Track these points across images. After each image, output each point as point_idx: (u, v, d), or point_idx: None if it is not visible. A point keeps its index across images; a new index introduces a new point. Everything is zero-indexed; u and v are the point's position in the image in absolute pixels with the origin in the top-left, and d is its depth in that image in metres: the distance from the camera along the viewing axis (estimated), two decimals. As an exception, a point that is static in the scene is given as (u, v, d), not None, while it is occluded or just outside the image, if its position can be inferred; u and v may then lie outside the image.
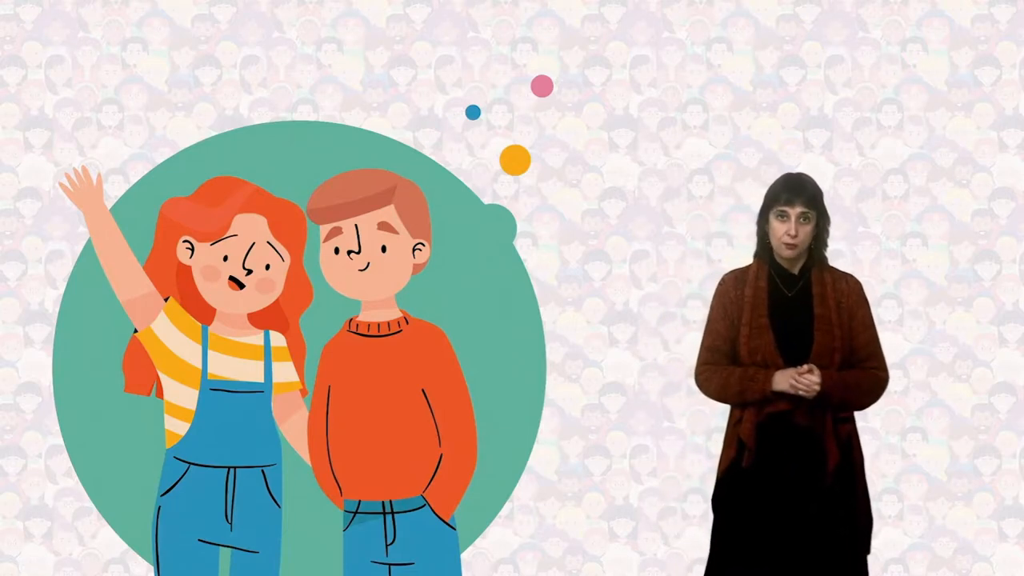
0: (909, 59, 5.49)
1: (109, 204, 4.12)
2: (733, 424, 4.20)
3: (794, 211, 4.13)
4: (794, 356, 4.11)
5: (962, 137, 5.47)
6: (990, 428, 5.44)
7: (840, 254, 5.45)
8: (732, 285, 4.23)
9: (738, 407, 4.18)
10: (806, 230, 4.15)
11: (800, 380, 4.06)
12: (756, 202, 5.43)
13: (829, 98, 5.49)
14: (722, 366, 4.19)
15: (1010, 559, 5.42)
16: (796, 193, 4.15)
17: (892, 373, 5.38)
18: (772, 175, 5.42)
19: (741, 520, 4.14)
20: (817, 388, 4.06)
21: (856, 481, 4.15)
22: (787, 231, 4.13)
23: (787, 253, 4.15)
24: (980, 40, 5.49)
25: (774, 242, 4.17)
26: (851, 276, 4.25)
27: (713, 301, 4.26)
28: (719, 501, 4.20)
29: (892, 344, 5.43)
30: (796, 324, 4.15)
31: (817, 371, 4.07)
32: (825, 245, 4.22)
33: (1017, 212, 5.47)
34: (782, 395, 4.09)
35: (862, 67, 5.48)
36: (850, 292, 4.19)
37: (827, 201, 5.42)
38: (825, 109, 5.48)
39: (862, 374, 4.17)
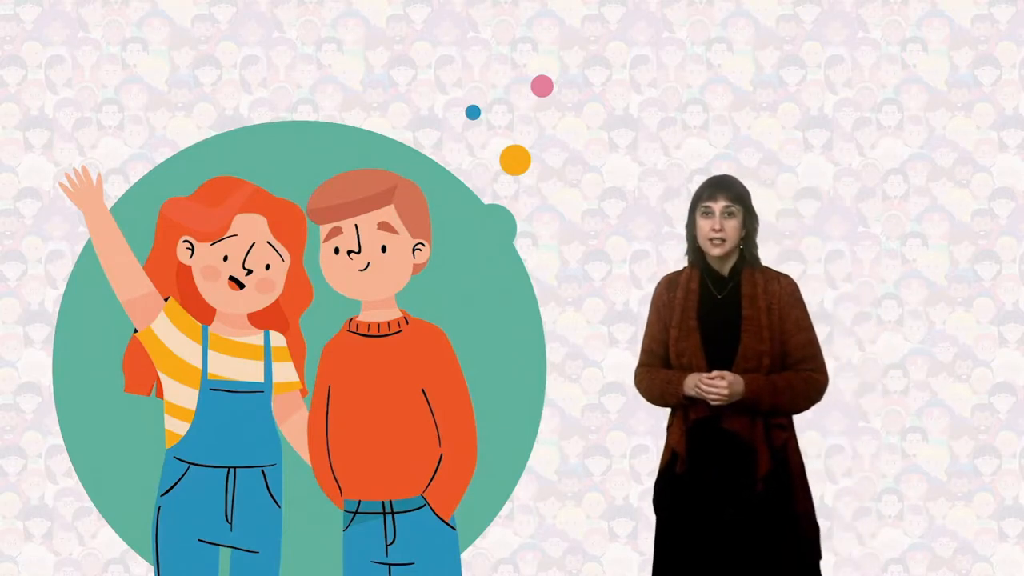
0: (909, 59, 5.49)
1: (109, 204, 4.12)
2: (668, 427, 4.17)
3: (717, 205, 4.10)
4: (720, 358, 4.05)
5: (962, 137, 5.47)
6: (990, 428, 5.45)
7: (840, 254, 5.45)
8: (665, 288, 4.20)
9: (671, 412, 4.15)
10: (732, 225, 4.11)
11: (703, 385, 4.01)
12: (756, 202, 5.46)
13: (829, 98, 5.49)
14: (654, 368, 4.17)
15: (1010, 559, 5.42)
16: (719, 189, 4.13)
17: (892, 373, 5.43)
18: (772, 175, 5.44)
19: (675, 525, 4.08)
20: (725, 393, 3.99)
21: (794, 489, 4.07)
22: (712, 226, 4.09)
23: (714, 251, 4.10)
24: (980, 40, 5.49)
25: (702, 242, 4.13)
26: (785, 277, 4.17)
27: (650, 305, 4.24)
28: (655, 503, 4.16)
29: (892, 344, 5.44)
30: (724, 326, 4.09)
31: (728, 377, 4.00)
32: (755, 246, 4.16)
33: (1017, 212, 5.47)
34: (700, 400, 4.04)
35: (862, 67, 5.48)
36: (782, 294, 4.11)
37: (827, 201, 5.46)
38: (825, 109, 5.48)
39: (795, 377, 4.09)
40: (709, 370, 4.05)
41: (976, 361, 5.46)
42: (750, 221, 4.15)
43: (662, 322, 4.18)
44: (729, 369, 4.04)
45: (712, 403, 4.02)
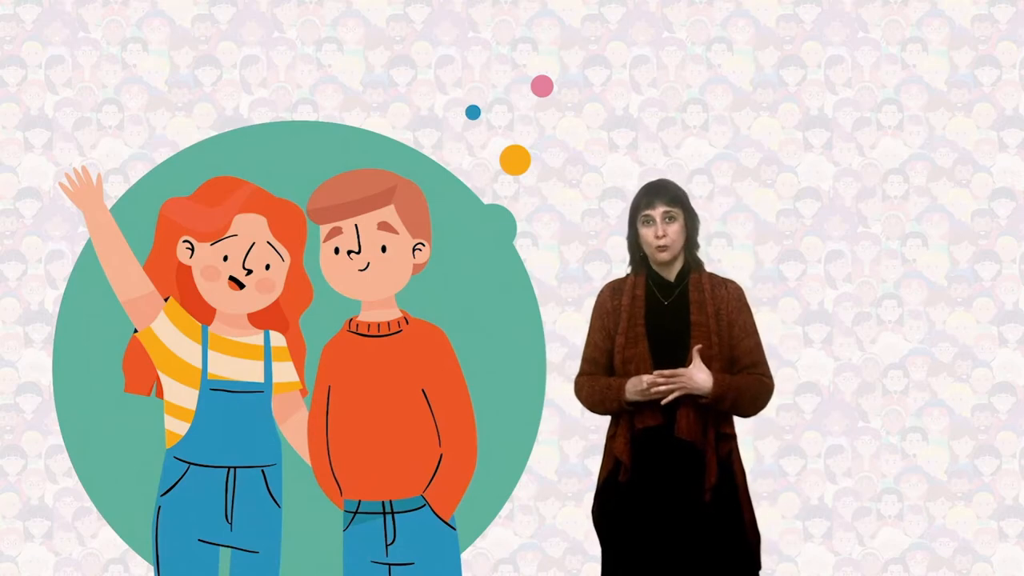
0: (909, 59, 5.49)
1: (109, 204, 4.12)
2: (609, 437, 4.10)
3: (657, 212, 4.06)
4: (669, 365, 3.99)
5: (962, 137, 5.47)
6: (990, 428, 5.45)
7: (840, 254, 5.45)
8: (609, 296, 4.14)
9: (612, 422, 4.09)
10: (674, 229, 4.06)
11: (656, 388, 3.94)
12: (756, 202, 5.47)
13: (829, 98, 5.49)
14: (595, 376, 4.12)
15: (1010, 559, 5.42)
16: (656, 195, 4.09)
17: (892, 373, 5.44)
18: (772, 175, 5.44)
19: (620, 536, 4.03)
20: (681, 384, 3.93)
21: (739, 499, 4.03)
22: (655, 233, 4.05)
23: (661, 257, 4.06)
24: (980, 40, 5.49)
25: (647, 250, 4.09)
26: (731, 282, 4.14)
27: (592, 313, 4.18)
28: (596, 516, 4.12)
29: (892, 344, 5.44)
30: (673, 332, 4.04)
31: (695, 364, 3.94)
32: (696, 246, 4.14)
33: (1017, 212, 5.47)
34: (647, 408, 3.98)
35: (862, 67, 5.49)
36: (729, 299, 4.08)
37: (827, 201, 5.46)
38: (825, 109, 5.48)
39: (751, 379, 4.05)
40: None
41: (976, 361, 5.46)
42: (691, 222, 4.12)
43: (605, 330, 4.12)
44: None
45: (666, 401, 3.95)
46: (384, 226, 3.97)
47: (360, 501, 3.97)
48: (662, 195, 4.09)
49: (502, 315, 4.57)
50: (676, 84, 5.49)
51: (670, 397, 3.95)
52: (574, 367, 5.40)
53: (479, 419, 4.01)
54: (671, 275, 4.11)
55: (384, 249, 3.98)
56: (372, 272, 3.98)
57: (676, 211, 4.08)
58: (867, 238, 5.47)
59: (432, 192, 4.08)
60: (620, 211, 5.47)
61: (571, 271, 5.47)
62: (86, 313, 4.48)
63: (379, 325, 4.01)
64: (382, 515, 3.95)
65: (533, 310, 4.68)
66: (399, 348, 3.98)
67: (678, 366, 3.99)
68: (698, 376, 3.96)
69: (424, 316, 4.03)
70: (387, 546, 3.95)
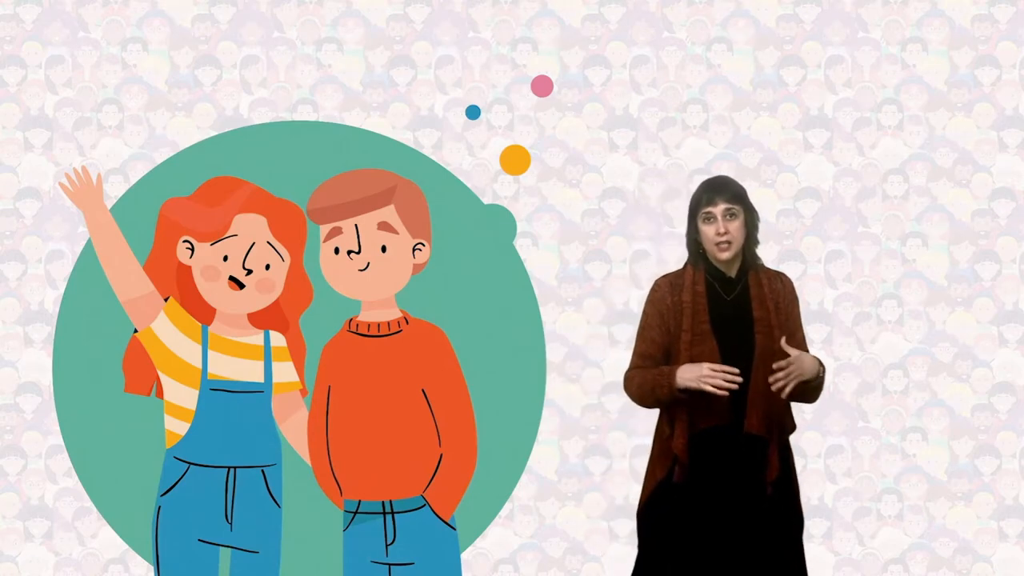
0: (909, 59, 5.49)
1: (109, 204, 4.12)
2: (665, 439, 4.08)
3: (718, 209, 4.08)
4: (737, 360, 4.00)
5: (962, 137, 5.47)
6: (990, 428, 5.45)
7: (840, 254, 5.45)
8: (668, 291, 4.13)
9: (667, 422, 4.08)
10: (735, 226, 4.08)
11: (713, 377, 3.93)
12: (756, 202, 5.46)
13: (829, 98, 5.49)
14: (644, 368, 4.10)
15: (1010, 559, 5.42)
16: (717, 192, 4.10)
17: (892, 373, 5.44)
18: (772, 175, 5.44)
19: (676, 537, 4.02)
20: (794, 377, 3.95)
21: (792, 482, 4.10)
22: (716, 231, 4.06)
23: (723, 255, 4.07)
24: (980, 40, 5.49)
25: (708, 247, 4.09)
26: (784, 275, 4.19)
27: (647, 307, 4.15)
28: (649, 519, 4.09)
29: (892, 344, 5.44)
30: (737, 328, 4.06)
31: (792, 353, 3.95)
32: (756, 243, 4.15)
33: (1017, 212, 5.47)
34: (711, 406, 3.97)
35: (862, 67, 5.49)
36: (785, 292, 4.13)
37: (827, 201, 5.46)
38: (825, 109, 5.48)
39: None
40: None
41: (976, 361, 5.46)
42: (751, 218, 4.14)
43: (665, 326, 4.11)
44: (748, 370, 4.00)
45: (786, 395, 3.95)
46: (384, 226, 3.97)
47: (360, 501, 3.97)
48: (723, 192, 4.10)
49: (502, 315, 4.57)
50: (676, 84, 5.49)
51: (788, 389, 3.96)
52: (574, 367, 5.43)
53: (479, 419, 4.01)
54: (732, 271, 4.12)
55: (384, 249, 3.98)
56: (372, 272, 3.98)
57: (737, 208, 4.10)
58: (867, 238, 5.47)
59: (432, 192, 4.08)
60: (620, 211, 5.47)
61: (571, 271, 5.47)
62: (86, 313, 4.48)
63: (379, 325, 4.01)
64: (382, 515, 3.95)
65: (533, 310, 4.68)
66: (399, 348, 3.98)
67: (747, 361, 4.01)
68: (806, 360, 3.99)
69: (424, 316, 4.03)
70: (387, 546, 3.95)
